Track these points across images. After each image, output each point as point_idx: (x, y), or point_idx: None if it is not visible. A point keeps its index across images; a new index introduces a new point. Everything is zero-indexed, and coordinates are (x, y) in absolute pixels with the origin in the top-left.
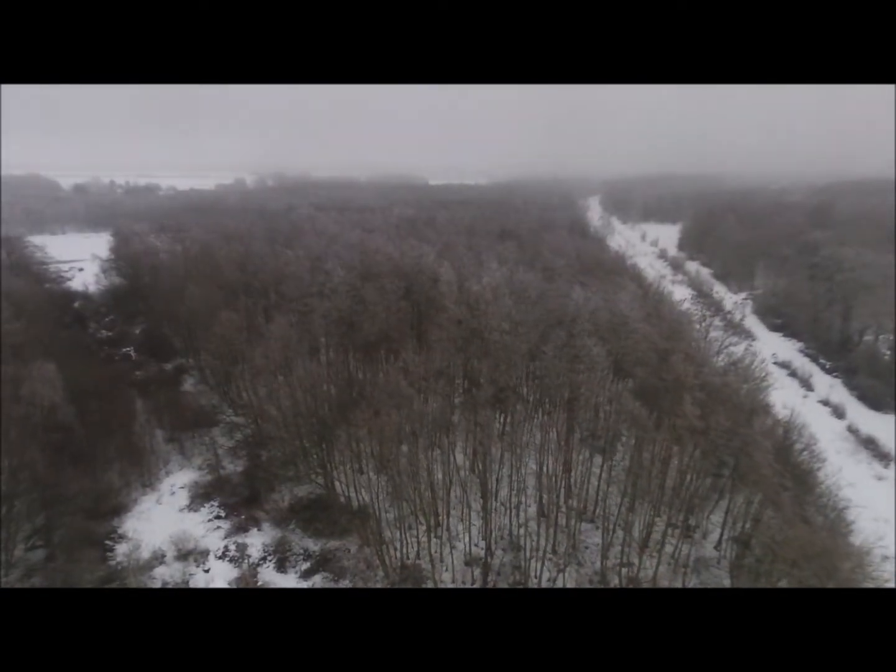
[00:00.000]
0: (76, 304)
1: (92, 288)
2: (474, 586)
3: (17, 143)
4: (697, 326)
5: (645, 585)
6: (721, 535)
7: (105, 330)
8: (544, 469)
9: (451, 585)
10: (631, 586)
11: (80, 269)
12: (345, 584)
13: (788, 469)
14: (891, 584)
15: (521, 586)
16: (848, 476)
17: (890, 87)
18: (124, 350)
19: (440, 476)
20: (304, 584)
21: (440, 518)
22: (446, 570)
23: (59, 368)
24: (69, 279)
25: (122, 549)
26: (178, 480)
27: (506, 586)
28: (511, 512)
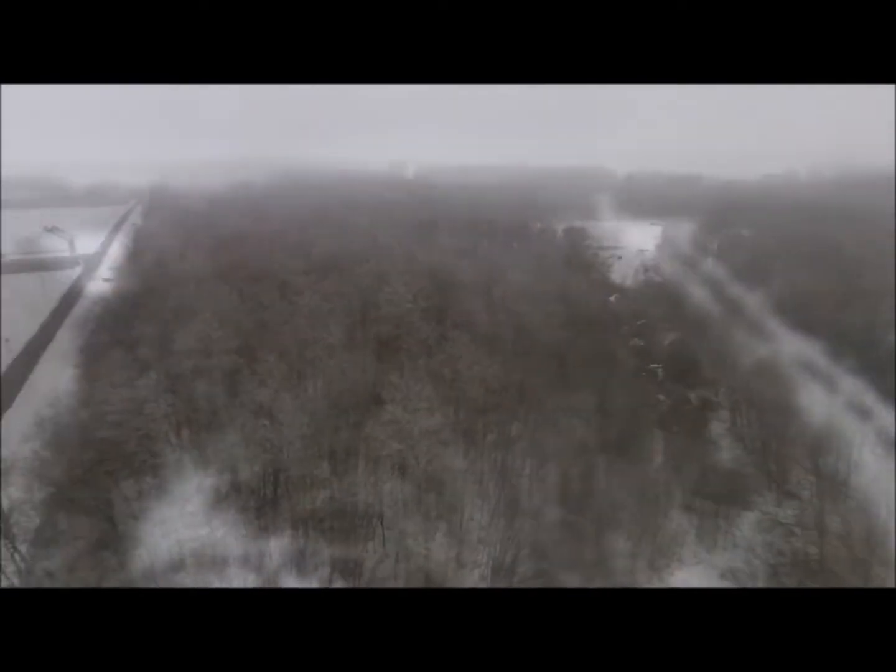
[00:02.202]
0: (611, 298)
1: (629, 282)
2: (483, 587)
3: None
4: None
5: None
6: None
7: (636, 337)
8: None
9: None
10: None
11: (619, 258)
12: None
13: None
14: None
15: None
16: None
17: (890, 87)
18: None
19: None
20: None
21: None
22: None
23: None
24: (608, 267)
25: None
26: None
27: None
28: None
